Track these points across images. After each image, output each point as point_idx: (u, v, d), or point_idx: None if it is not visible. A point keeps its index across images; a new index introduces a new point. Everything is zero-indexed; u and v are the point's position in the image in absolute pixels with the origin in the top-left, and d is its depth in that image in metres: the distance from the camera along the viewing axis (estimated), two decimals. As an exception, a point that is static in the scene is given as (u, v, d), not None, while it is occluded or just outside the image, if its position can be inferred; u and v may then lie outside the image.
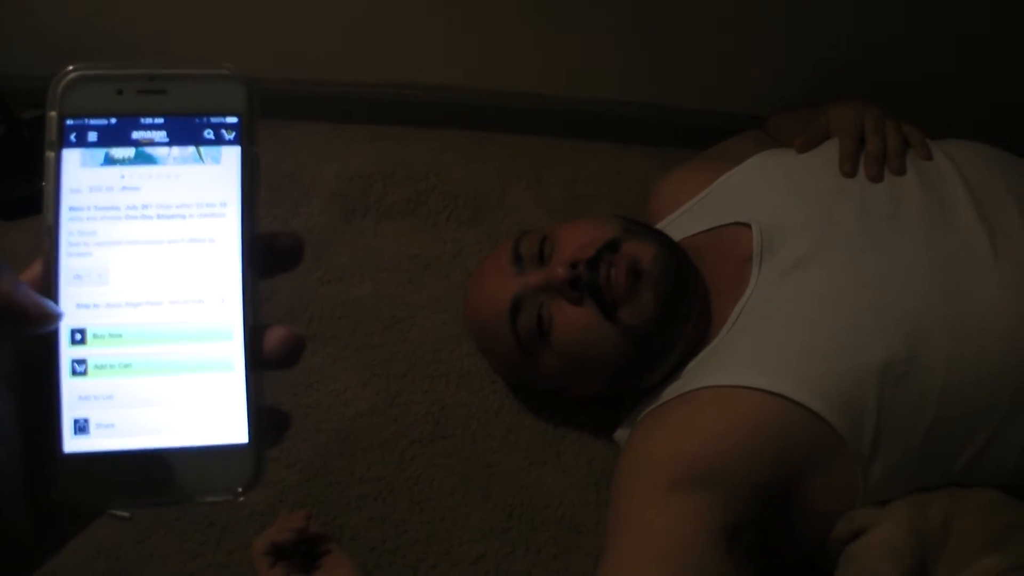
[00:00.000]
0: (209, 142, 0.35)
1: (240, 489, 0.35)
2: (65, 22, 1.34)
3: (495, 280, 0.98)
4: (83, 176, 0.35)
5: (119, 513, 0.98)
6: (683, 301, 0.93)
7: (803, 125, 1.09)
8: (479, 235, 1.30)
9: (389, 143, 1.42)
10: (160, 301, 0.35)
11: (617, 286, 0.89)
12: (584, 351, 0.93)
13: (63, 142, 0.34)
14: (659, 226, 1.09)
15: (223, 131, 0.36)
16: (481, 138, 1.44)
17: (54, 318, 0.33)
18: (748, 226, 0.97)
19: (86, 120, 0.35)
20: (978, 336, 0.82)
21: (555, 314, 0.93)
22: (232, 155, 0.36)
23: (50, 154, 0.34)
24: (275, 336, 0.35)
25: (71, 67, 0.34)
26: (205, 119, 0.35)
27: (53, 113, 0.34)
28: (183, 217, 0.35)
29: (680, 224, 1.09)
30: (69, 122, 0.34)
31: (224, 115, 0.36)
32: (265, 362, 0.35)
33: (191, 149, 0.35)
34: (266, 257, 0.36)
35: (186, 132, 0.35)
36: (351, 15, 1.32)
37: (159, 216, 0.35)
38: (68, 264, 0.34)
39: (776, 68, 1.33)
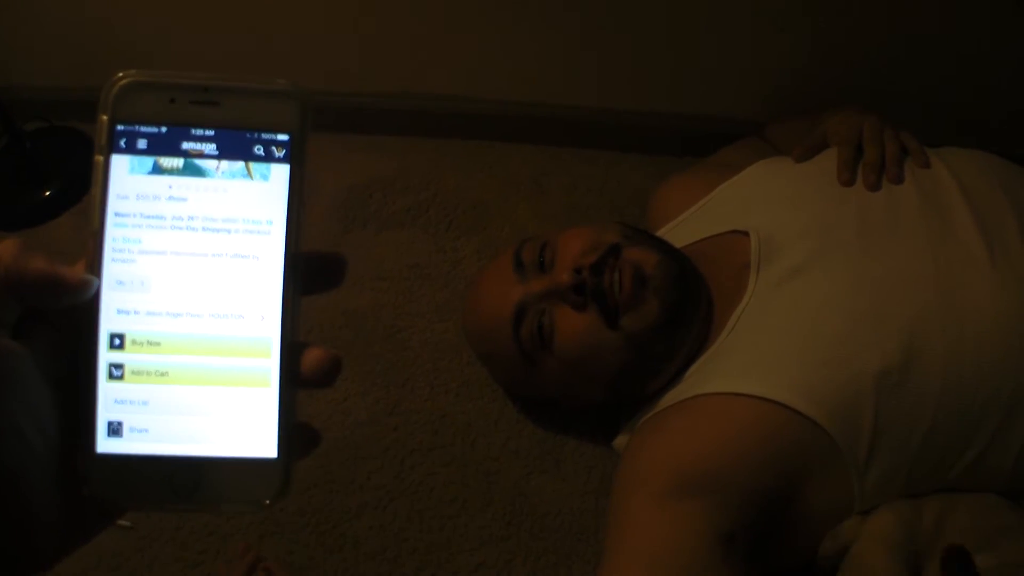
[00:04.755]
0: (259, 158, 0.35)
1: (267, 501, 0.35)
2: (67, 34, 1.35)
3: (497, 288, 0.98)
4: (131, 183, 0.34)
5: (122, 522, 0.98)
6: (686, 308, 0.93)
7: (801, 133, 1.09)
8: (479, 244, 1.30)
9: (388, 153, 1.43)
10: (200, 313, 0.35)
11: (623, 292, 0.89)
12: (586, 358, 0.93)
13: (113, 147, 0.34)
14: (659, 234, 1.09)
15: (273, 148, 0.35)
16: (480, 147, 1.45)
17: (91, 283, 0.33)
18: (746, 234, 0.97)
19: (137, 127, 0.34)
20: (974, 343, 0.82)
21: (557, 321, 0.93)
22: (281, 173, 0.35)
23: (99, 158, 0.34)
24: (313, 356, 0.36)
25: (122, 73, 0.34)
26: (256, 135, 0.35)
27: (104, 117, 0.34)
28: (228, 232, 0.35)
29: (679, 232, 1.09)
30: (119, 127, 0.34)
31: (276, 132, 0.35)
32: (301, 381, 0.36)
33: (240, 164, 0.35)
34: (308, 275, 0.36)
35: (236, 146, 0.35)
36: (349, 25, 1.33)
37: (204, 229, 0.35)
38: (111, 269, 0.34)
39: (774, 74, 1.34)
